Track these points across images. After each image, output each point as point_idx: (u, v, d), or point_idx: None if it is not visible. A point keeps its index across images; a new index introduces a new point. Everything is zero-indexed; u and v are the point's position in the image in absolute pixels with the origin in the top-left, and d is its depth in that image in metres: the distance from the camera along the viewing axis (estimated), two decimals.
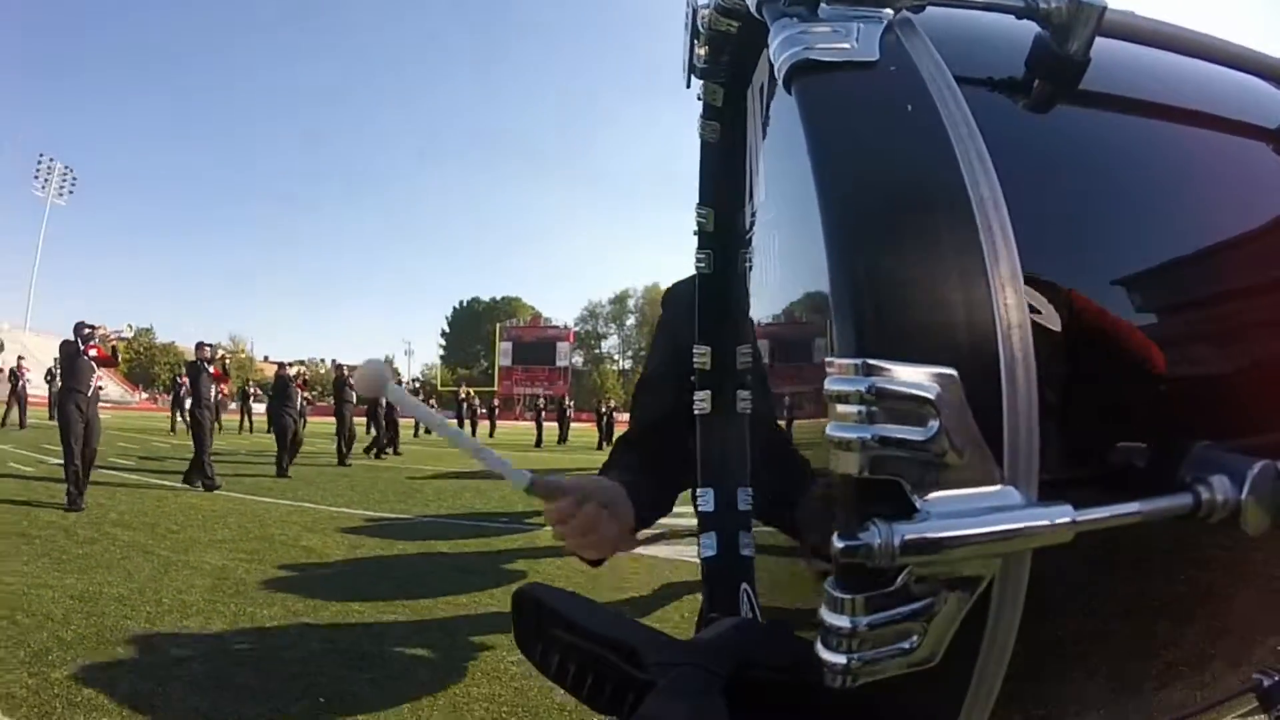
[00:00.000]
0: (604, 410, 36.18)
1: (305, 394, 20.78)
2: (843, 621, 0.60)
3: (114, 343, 12.09)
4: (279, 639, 5.48)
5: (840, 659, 0.61)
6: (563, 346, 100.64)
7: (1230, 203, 0.85)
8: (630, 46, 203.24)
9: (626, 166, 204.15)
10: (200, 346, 14.41)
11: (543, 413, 38.11)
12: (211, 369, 13.92)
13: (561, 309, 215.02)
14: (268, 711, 4.20)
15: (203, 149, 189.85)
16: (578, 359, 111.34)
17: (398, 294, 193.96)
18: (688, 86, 1.35)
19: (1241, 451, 0.69)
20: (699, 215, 1.46)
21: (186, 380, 23.33)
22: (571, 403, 45.66)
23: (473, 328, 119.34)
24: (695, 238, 1.47)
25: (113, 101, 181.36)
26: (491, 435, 39.48)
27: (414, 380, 27.84)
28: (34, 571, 6.82)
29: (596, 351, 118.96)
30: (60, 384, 10.85)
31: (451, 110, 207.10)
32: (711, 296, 1.46)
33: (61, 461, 10.57)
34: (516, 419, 69.23)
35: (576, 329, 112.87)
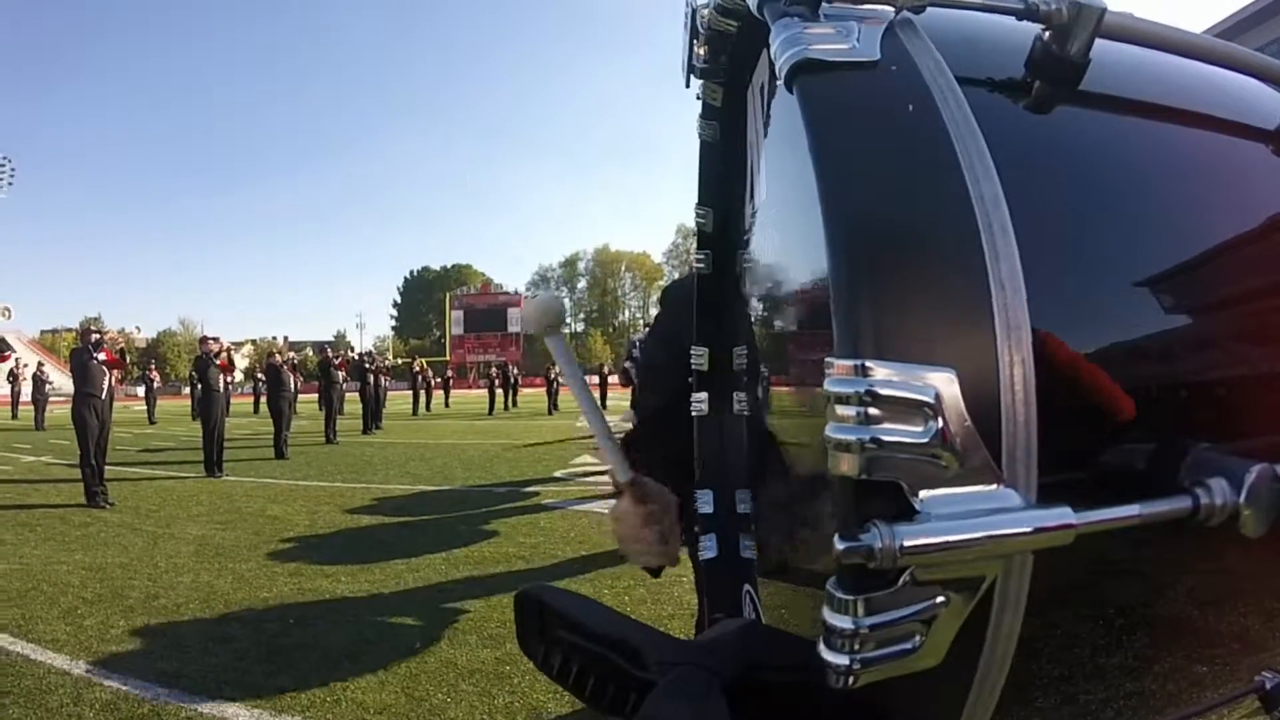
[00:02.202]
0: (552, 376, 36.40)
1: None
2: (845, 622, 0.60)
3: (121, 345, 12.65)
4: (254, 583, 6.94)
5: (842, 660, 0.61)
6: (513, 312, 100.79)
7: (1229, 204, 0.85)
8: (579, 5, 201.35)
9: (574, 129, 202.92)
10: (204, 341, 15.14)
11: (495, 381, 38.41)
12: (218, 361, 14.60)
13: (512, 274, 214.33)
14: (248, 630, 5.67)
15: (142, 132, 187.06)
16: None
17: (348, 267, 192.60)
18: (687, 86, 1.33)
19: (1240, 455, 0.70)
20: (698, 215, 1.44)
21: (155, 374, 23.74)
22: (516, 369, 46.23)
23: (424, 297, 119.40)
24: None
25: (43, 88, 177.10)
26: (447, 405, 40.48)
27: (366, 354, 28.73)
28: (45, 553, 8.06)
29: None
30: (74, 389, 11.31)
31: (395, 77, 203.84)
32: (710, 297, 1.46)
33: (77, 462, 11.29)
34: (470, 387, 70.04)
35: (527, 294, 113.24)
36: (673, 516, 1.30)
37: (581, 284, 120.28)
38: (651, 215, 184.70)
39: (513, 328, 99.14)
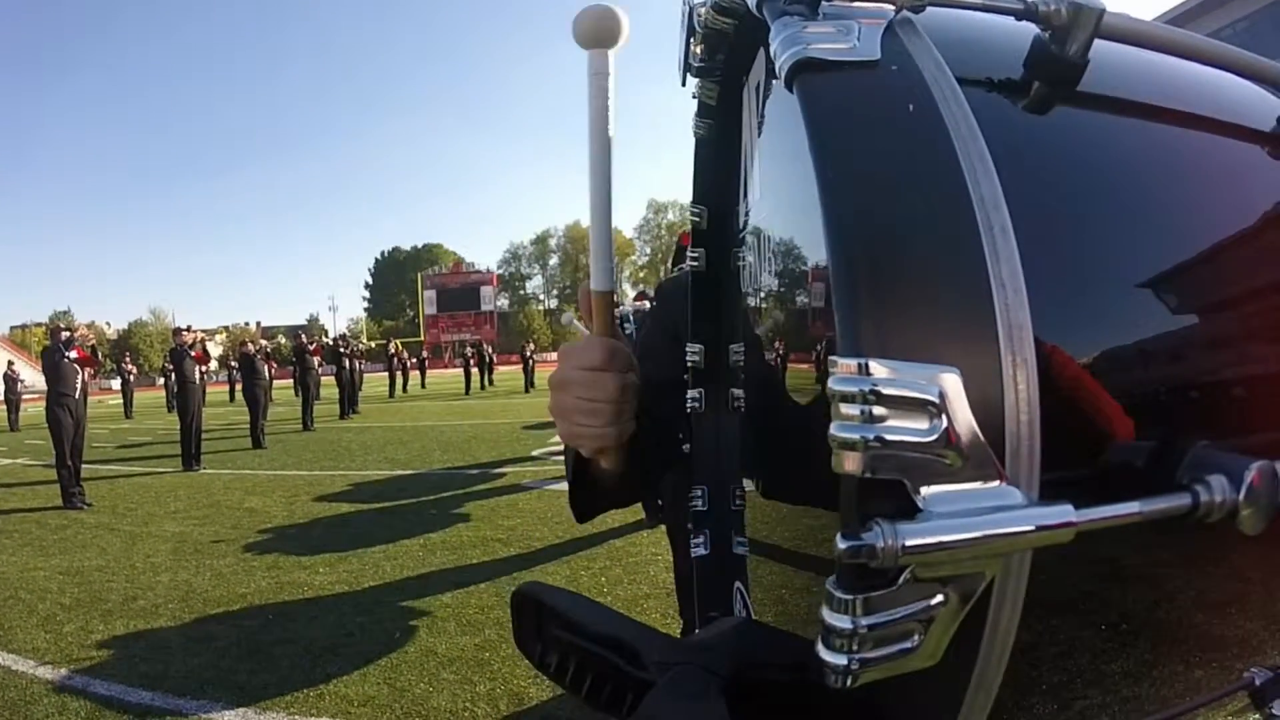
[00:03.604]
0: (528, 354, 36.69)
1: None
2: (843, 622, 0.60)
3: (92, 342, 12.63)
4: (233, 580, 7.09)
5: (840, 659, 0.61)
6: (486, 291, 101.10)
7: (1228, 203, 0.84)
8: None
9: (541, 105, 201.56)
10: (178, 332, 15.23)
11: (470, 360, 38.23)
12: (194, 353, 14.66)
13: (483, 253, 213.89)
14: (229, 628, 5.80)
15: (106, 124, 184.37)
16: (503, 302, 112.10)
17: (318, 250, 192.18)
18: (683, 85, 1.33)
19: (1240, 452, 0.69)
20: (693, 214, 1.44)
21: (132, 367, 23.04)
22: (491, 347, 46.11)
23: (396, 278, 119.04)
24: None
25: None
26: (423, 386, 40.49)
27: (340, 338, 28.57)
28: (22, 559, 8.23)
29: (522, 293, 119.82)
30: (48, 389, 11.19)
31: (362, 62, 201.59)
32: (705, 294, 1.46)
33: (52, 463, 11.20)
34: (446, 366, 69.98)
35: (500, 272, 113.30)
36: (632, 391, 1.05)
37: (554, 260, 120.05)
38: (621, 191, 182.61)
39: (485, 305, 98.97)
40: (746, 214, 1.35)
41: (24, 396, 29.63)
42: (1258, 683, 0.82)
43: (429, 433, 18.64)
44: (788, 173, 1.00)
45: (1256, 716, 0.84)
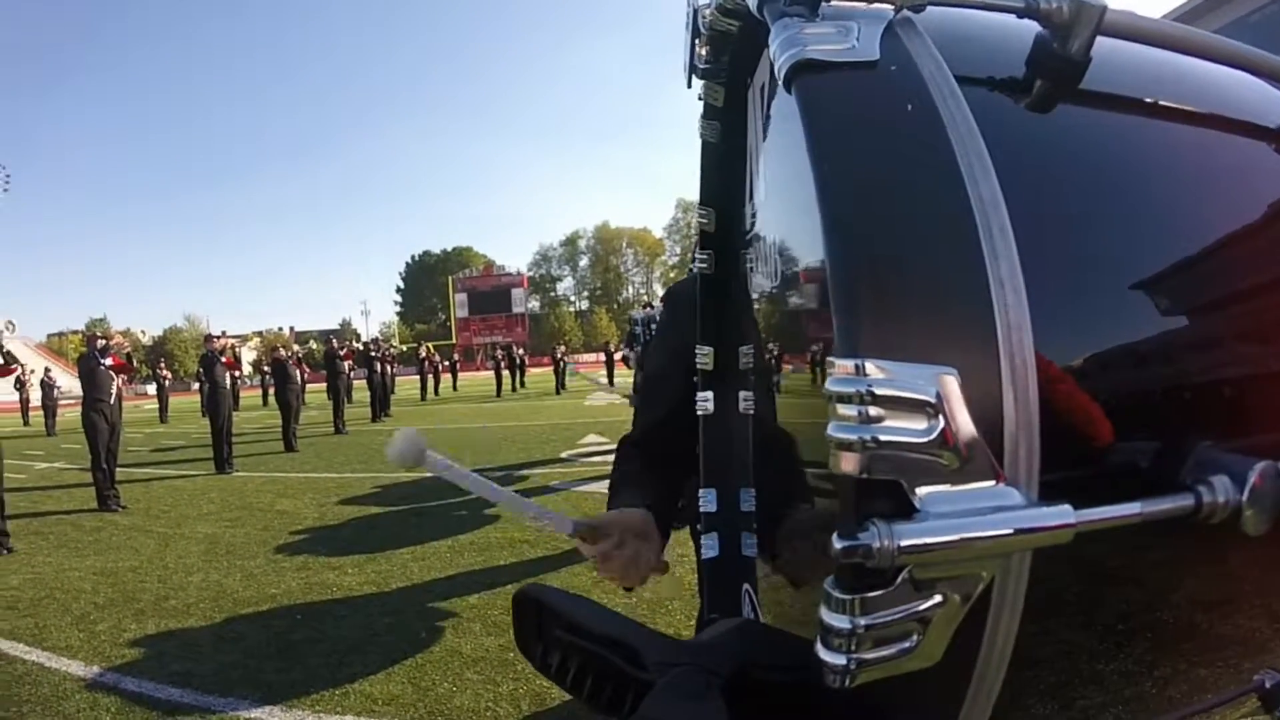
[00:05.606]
0: (559, 356, 36.65)
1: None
2: (842, 622, 0.60)
3: (127, 350, 12.84)
4: (263, 580, 7.05)
5: (840, 659, 0.61)
6: (517, 293, 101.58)
7: (1230, 202, 0.84)
8: None
9: (568, 107, 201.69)
10: (209, 339, 15.34)
11: (501, 363, 38.14)
12: (224, 359, 14.77)
13: (514, 255, 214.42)
14: (258, 628, 5.77)
15: (136, 129, 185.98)
16: (534, 304, 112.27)
17: (350, 255, 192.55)
18: (689, 86, 1.33)
19: (1243, 452, 0.69)
20: (700, 216, 1.44)
21: (167, 373, 23.40)
22: (523, 350, 46.24)
23: (427, 281, 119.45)
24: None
25: (32, 90, 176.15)
26: (455, 388, 40.58)
27: (371, 341, 28.87)
28: (57, 560, 8.17)
29: (552, 295, 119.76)
30: (83, 395, 11.39)
31: (384, 63, 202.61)
32: (714, 297, 1.46)
33: (88, 466, 11.30)
34: (478, 369, 70.23)
35: (530, 274, 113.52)
36: (640, 536, 1.31)
37: (584, 262, 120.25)
38: (651, 190, 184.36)
39: (517, 308, 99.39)
40: (753, 215, 1.36)
41: (60, 402, 30.00)
42: (1267, 685, 0.82)
43: (459, 435, 18.62)
44: (790, 174, 1.02)
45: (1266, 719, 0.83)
